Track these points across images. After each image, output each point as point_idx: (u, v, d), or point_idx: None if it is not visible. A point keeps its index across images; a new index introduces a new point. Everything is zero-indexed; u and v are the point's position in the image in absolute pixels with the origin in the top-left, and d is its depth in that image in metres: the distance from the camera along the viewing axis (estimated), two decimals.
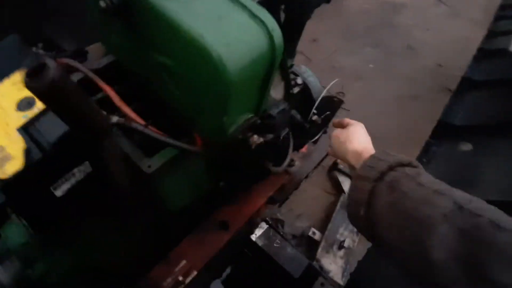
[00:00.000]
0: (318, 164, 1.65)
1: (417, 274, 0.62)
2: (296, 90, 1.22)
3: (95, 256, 1.07)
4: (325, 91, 1.14)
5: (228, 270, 1.44)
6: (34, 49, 0.87)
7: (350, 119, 0.92)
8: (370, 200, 0.69)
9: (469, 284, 0.54)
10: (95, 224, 0.99)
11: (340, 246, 1.62)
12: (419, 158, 2.18)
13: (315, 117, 1.15)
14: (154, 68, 0.87)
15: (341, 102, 1.29)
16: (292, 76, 1.20)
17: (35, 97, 0.77)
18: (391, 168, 0.70)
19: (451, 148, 2.27)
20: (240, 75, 0.72)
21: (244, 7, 0.76)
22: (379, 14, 3.17)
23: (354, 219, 0.73)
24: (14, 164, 0.70)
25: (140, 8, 0.76)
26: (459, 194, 0.62)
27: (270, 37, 0.75)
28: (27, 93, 0.79)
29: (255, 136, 0.89)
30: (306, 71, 1.30)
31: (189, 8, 0.73)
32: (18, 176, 0.69)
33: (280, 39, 0.77)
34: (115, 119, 0.74)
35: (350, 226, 1.68)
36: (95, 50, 1.55)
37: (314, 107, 1.23)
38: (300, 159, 1.49)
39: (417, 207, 0.62)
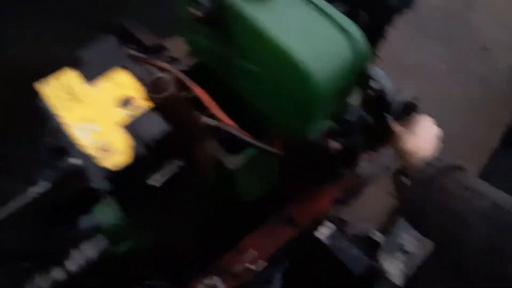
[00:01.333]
0: (386, 167, 1.65)
1: (455, 269, 0.74)
2: (371, 93, 1.23)
3: (173, 237, 1.17)
4: (404, 99, 1.14)
5: (287, 264, 1.49)
6: (128, 49, 0.96)
7: None
8: (422, 202, 0.78)
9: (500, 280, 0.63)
10: (176, 208, 1.08)
11: (401, 250, 1.61)
12: (487, 165, 2.08)
13: (389, 121, 1.16)
14: (240, 72, 0.93)
15: (415, 107, 1.28)
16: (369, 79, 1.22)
17: (133, 96, 0.87)
18: (441, 173, 0.79)
19: None
20: (325, 86, 0.76)
21: (330, 17, 0.80)
22: (452, 10, 3.02)
23: (407, 217, 0.85)
24: (121, 158, 0.78)
25: (230, 17, 0.82)
26: (501, 196, 0.70)
27: (356, 49, 0.79)
28: (126, 91, 0.88)
29: (333, 142, 0.92)
30: (382, 75, 1.31)
31: (279, 19, 0.78)
32: (124, 168, 0.78)
33: (365, 51, 0.80)
34: (213, 122, 0.81)
35: (413, 231, 1.67)
36: (173, 45, 1.66)
37: (388, 112, 1.23)
38: (367, 162, 1.50)
39: (460, 209, 0.71)
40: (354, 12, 0.98)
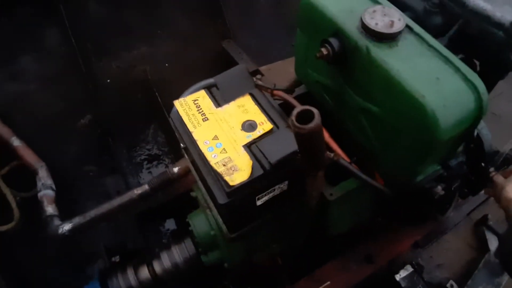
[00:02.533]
0: (467, 215, 1.60)
1: None
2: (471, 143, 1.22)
3: (259, 255, 1.21)
4: (506, 150, 1.13)
5: None
6: (254, 79, 1.04)
7: None
8: None
9: None
10: (273, 226, 1.12)
11: None
12: None
13: (490, 171, 1.14)
14: (352, 109, 0.98)
15: None
16: None
17: (256, 121, 0.95)
18: None
19: None
20: (448, 134, 0.79)
21: (457, 69, 0.82)
22: None
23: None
24: (241, 175, 0.85)
25: (360, 59, 0.87)
26: None
27: (479, 100, 0.80)
28: (249, 116, 0.96)
29: (439, 187, 0.93)
30: (482, 125, 1.30)
31: (410, 67, 0.82)
32: (243, 185, 0.85)
33: (486, 102, 0.82)
34: (330, 155, 0.86)
35: (491, 286, 1.60)
36: (268, 71, 1.75)
37: (484, 161, 1.22)
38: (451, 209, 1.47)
39: None
40: (469, 61, 1.00)
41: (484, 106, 0.82)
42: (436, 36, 0.97)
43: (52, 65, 1.68)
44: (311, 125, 0.65)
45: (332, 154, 0.87)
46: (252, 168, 0.86)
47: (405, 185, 0.95)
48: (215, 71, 1.81)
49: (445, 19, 0.97)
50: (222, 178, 0.84)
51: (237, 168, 0.87)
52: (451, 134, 0.79)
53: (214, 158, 0.89)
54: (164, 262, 1.29)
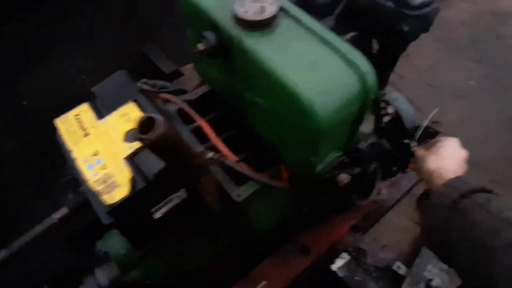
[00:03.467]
0: (407, 192, 1.57)
1: None
2: (386, 119, 1.18)
3: (184, 266, 1.15)
4: (424, 124, 1.09)
5: None
6: (138, 83, 0.97)
7: None
8: (444, 228, 0.75)
9: None
10: (186, 237, 1.07)
11: (427, 286, 1.51)
12: None
13: (411, 145, 1.10)
14: (246, 102, 0.91)
15: (436, 132, 1.22)
16: (382, 104, 1.17)
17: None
18: (463, 196, 0.75)
19: None
20: (331, 121, 0.73)
21: (337, 50, 0.77)
22: (482, 25, 2.89)
23: (430, 244, 0.82)
24: (121, 191, 0.79)
25: (235, 51, 0.81)
26: None
27: (363, 81, 0.75)
28: (133, 125, 0.89)
29: (343, 175, 0.89)
30: (398, 98, 1.26)
31: (284, 53, 0.76)
32: (123, 202, 0.78)
33: (373, 82, 0.77)
34: (210, 154, 0.80)
35: (441, 264, 1.57)
36: (190, 70, 1.67)
37: (406, 136, 1.19)
38: (387, 187, 1.44)
39: (485, 237, 0.68)
40: (366, 38, 0.95)
41: (370, 86, 0.76)
42: (324, 16, 0.92)
43: None
44: (154, 134, 0.59)
45: (218, 155, 0.81)
46: (133, 182, 0.80)
47: (307, 176, 0.90)
48: (136, 76, 1.72)
49: None
50: (99, 197, 0.77)
51: (117, 184, 0.81)
52: (334, 121, 0.74)
53: (93, 176, 0.82)
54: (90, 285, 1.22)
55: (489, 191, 0.77)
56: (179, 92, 1.09)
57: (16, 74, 1.66)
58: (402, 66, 2.40)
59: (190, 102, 1.07)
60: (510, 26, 2.89)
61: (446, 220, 0.74)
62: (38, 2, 1.61)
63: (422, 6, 0.83)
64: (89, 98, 1.66)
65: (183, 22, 0.98)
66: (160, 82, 1.32)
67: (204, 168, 0.80)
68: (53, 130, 1.66)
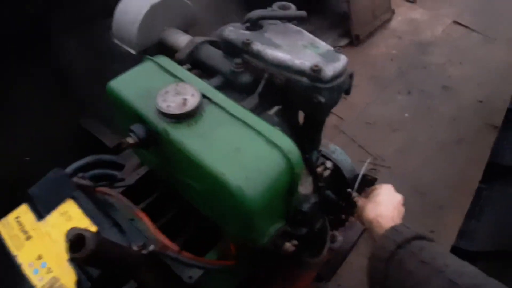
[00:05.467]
0: (362, 232, 1.63)
1: None
2: (327, 173, 1.24)
3: None
4: (359, 177, 1.16)
5: None
6: (75, 179, 0.96)
7: (392, 176, 1.00)
8: (384, 281, 0.78)
9: None
10: None
11: None
12: (471, 207, 2.06)
13: (353, 195, 1.16)
14: (182, 184, 0.93)
15: (374, 179, 1.29)
16: (321, 159, 1.23)
17: (80, 226, 0.87)
18: (399, 246, 0.79)
19: (504, 191, 2.13)
20: (262, 202, 0.76)
21: (260, 132, 0.81)
22: (407, 57, 3.13)
23: None
24: None
25: (164, 142, 0.84)
26: (455, 268, 0.71)
27: (288, 159, 0.80)
28: (73, 223, 0.88)
29: (287, 244, 0.91)
30: (335, 151, 1.33)
31: (209, 143, 0.79)
32: None
33: (297, 158, 0.81)
34: (151, 248, 0.80)
35: None
36: None
37: (348, 186, 1.24)
38: (341, 232, 1.48)
39: (417, 287, 0.72)
40: (290, 110, 1.01)
41: (296, 162, 0.81)
42: (248, 94, 0.97)
43: None
44: (85, 253, 0.59)
45: (158, 247, 0.82)
46: (78, 283, 0.79)
47: (253, 249, 0.92)
48: (80, 153, 1.69)
49: (252, 76, 0.97)
50: None
51: (63, 287, 0.79)
52: (266, 201, 0.77)
53: (40, 281, 0.82)
54: None
55: (423, 238, 0.82)
56: (118, 180, 1.09)
57: None
58: (340, 108, 2.51)
59: (130, 187, 1.08)
60: (432, 55, 3.15)
61: (385, 272, 0.78)
62: None
63: (334, 78, 0.91)
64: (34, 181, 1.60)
65: (115, 112, 1.00)
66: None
67: (144, 265, 0.80)
68: None
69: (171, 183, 1.02)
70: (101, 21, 1.92)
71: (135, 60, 1.04)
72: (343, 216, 1.37)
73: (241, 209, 0.75)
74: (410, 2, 3.73)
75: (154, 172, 1.12)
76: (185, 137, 0.80)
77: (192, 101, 0.82)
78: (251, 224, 0.80)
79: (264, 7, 1.04)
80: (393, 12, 3.51)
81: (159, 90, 0.85)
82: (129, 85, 0.90)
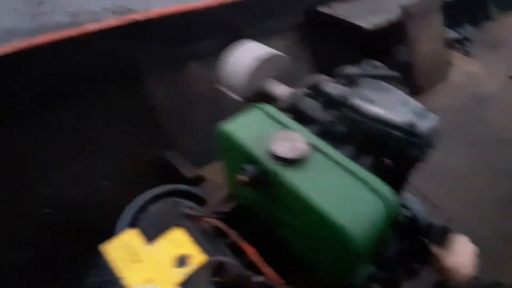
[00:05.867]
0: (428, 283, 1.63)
1: None
2: (404, 222, 1.29)
3: None
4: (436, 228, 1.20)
5: None
6: (184, 208, 1.07)
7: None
8: None
9: None
10: None
11: None
12: None
13: (429, 244, 1.20)
14: (281, 222, 1.02)
15: (447, 229, 1.32)
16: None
17: (188, 254, 0.96)
18: None
19: None
20: (364, 243, 0.83)
21: (362, 180, 0.90)
22: (465, 109, 3.16)
23: None
24: None
25: (273, 183, 0.93)
26: None
27: (387, 205, 0.87)
28: (181, 249, 0.97)
29: (374, 285, 0.96)
30: (412, 201, 1.38)
31: (316, 185, 0.88)
32: None
33: (396, 206, 0.89)
34: (260, 279, 0.88)
35: None
36: (210, 173, 1.80)
37: (423, 235, 1.28)
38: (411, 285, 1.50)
39: None
40: (380, 161, 1.09)
41: (394, 208, 0.88)
42: (342, 143, 1.06)
43: None
44: (229, 278, 0.68)
45: (262, 278, 0.89)
46: None
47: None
48: (160, 181, 1.83)
49: (349, 127, 1.07)
50: None
51: None
52: (366, 243, 0.84)
53: None
54: None
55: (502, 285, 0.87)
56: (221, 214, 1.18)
57: (37, 182, 1.74)
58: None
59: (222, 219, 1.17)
60: (490, 108, 3.16)
61: None
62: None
63: (427, 134, 0.99)
64: (113, 205, 1.74)
65: (219, 152, 1.11)
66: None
67: None
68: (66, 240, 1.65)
69: (267, 218, 1.10)
70: (188, 66, 2.14)
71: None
72: (416, 265, 1.40)
73: (344, 249, 0.82)
74: (466, 55, 3.78)
75: (244, 207, 1.21)
76: (296, 179, 0.89)
77: (301, 147, 0.92)
78: (350, 264, 0.87)
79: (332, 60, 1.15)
80: (451, 64, 3.57)
81: (269, 135, 0.96)
82: (241, 128, 1.02)
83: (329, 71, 1.37)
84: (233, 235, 1.03)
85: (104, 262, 0.97)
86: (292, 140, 0.94)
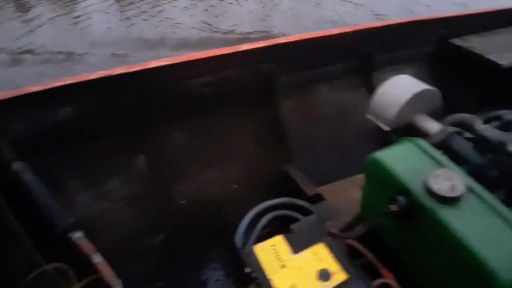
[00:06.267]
0: None
1: None
2: None
3: None
4: None
5: None
6: (327, 226, 1.16)
7: None
8: None
9: None
10: None
11: None
12: None
13: None
14: (417, 257, 1.05)
15: None
16: None
17: (330, 270, 1.04)
18: None
19: None
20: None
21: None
22: None
23: None
24: None
25: (426, 219, 0.96)
26: None
27: None
28: (324, 264, 1.06)
29: None
30: None
31: (471, 227, 0.90)
32: None
33: None
34: None
35: None
36: (329, 193, 1.87)
37: None
38: None
39: None
40: None
41: None
42: (493, 187, 1.06)
43: (135, 187, 1.92)
44: None
45: None
46: None
47: None
48: (277, 193, 1.96)
49: (502, 172, 1.06)
50: None
51: None
52: None
53: None
54: None
55: None
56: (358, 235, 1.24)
57: (177, 177, 2.01)
58: None
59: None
60: None
61: None
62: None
63: None
64: (233, 203, 1.88)
65: (367, 180, 1.17)
66: None
67: None
68: (192, 232, 1.79)
69: (399, 248, 1.14)
70: (316, 87, 2.27)
71: None
72: None
73: None
74: None
75: (374, 232, 1.26)
76: (451, 218, 0.92)
77: (460, 187, 0.95)
78: None
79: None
80: None
81: (424, 170, 1.00)
82: (395, 159, 1.07)
83: (458, 107, 1.37)
84: (372, 258, 1.09)
85: (256, 261, 1.09)
86: (450, 179, 0.97)
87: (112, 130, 1.83)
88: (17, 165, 1.57)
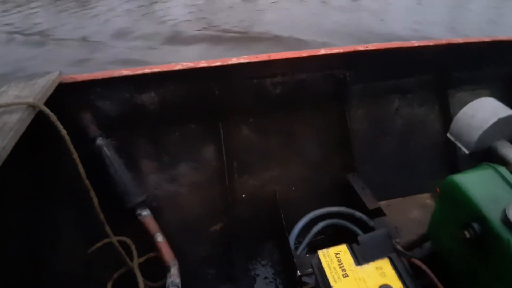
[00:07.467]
0: None
1: None
2: None
3: None
4: None
5: None
6: (394, 242, 1.15)
7: None
8: None
9: None
10: None
11: None
12: None
13: None
14: (479, 281, 1.03)
15: None
16: None
17: (392, 286, 1.04)
18: None
19: None
20: None
21: None
22: None
23: None
24: None
25: (498, 249, 0.94)
26: None
27: None
28: (386, 280, 1.05)
29: None
30: None
31: None
32: None
33: None
34: None
35: None
36: (385, 207, 1.84)
37: None
38: None
39: None
40: None
41: None
42: None
43: (203, 175, 2.03)
44: None
45: None
46: None
47: None
48: (336, 200, 1.97)
49: None
50: None
51: None
52: None
53: None
54: None
55: None
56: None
57: (242, 170, 2.10)
58: None
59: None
60: None
61: None
62: None
63: None
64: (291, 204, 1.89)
65: (441, 201, 1.15)
66: None
67: None
68: (249, 225, 1.90)
69: (462, 272, 1.12)
70: (389, 98, 2.24)
71: None
72: None
73: None
74: None
75: (438, 253, 1.24)
76: None
77: None
78: None
79: None
80: None
81: (503, 198, 0.97)
82: (473, 184, 1.04)
83: None
84: (435, 280, 1.08)
85: (320, 266, 1.12)
86: None
87: (188, 118, 1.94)
88: (101, 141, 1.72)
